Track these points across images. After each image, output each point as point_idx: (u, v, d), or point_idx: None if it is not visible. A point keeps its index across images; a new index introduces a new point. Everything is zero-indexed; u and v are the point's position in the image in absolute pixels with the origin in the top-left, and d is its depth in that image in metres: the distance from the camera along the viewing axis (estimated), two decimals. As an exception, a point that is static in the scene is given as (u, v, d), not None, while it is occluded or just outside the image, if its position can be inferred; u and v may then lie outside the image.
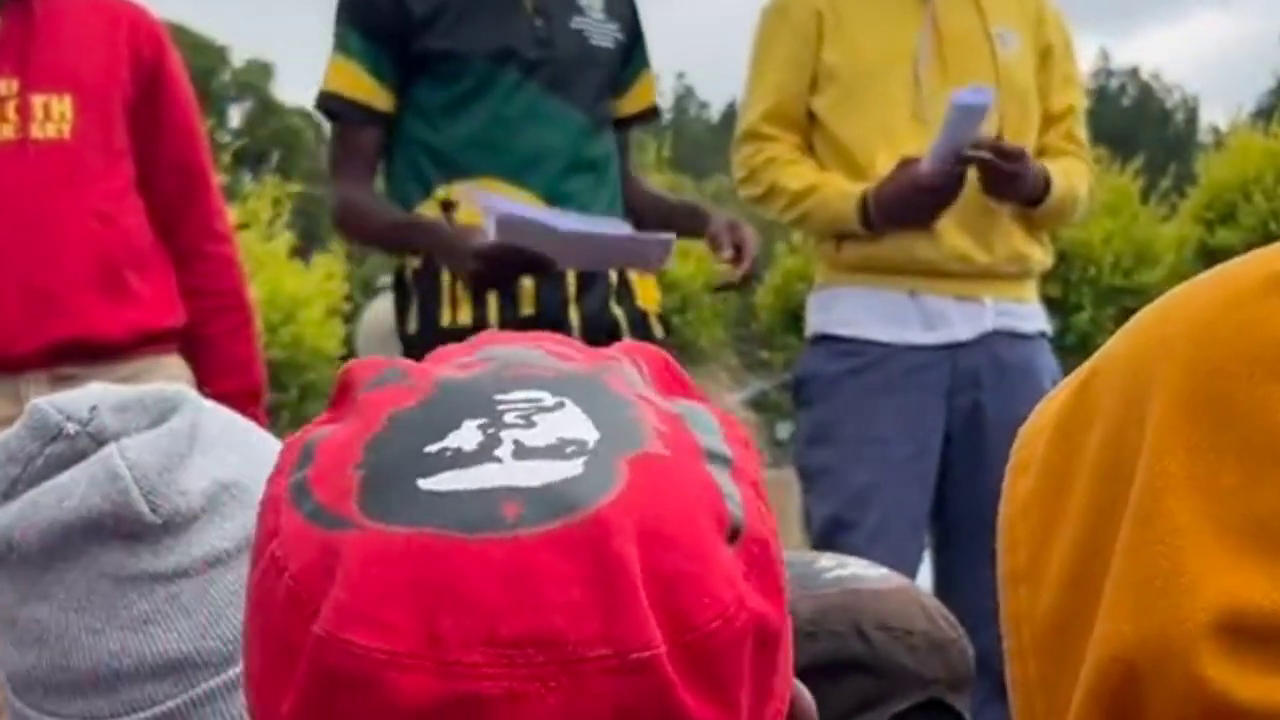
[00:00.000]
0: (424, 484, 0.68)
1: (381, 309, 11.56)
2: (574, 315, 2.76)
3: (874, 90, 3.01)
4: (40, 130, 2.56)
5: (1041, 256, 3.12)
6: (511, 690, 0.64)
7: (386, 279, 11.79)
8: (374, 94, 2.79)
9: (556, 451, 0.69)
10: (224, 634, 0.96)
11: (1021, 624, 0.65)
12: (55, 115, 2.57)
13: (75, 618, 0.95)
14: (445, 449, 0.69)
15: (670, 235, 2.79)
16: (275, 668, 0.68)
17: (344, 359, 10.69)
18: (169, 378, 2.55)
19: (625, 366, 0.75)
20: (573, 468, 0.68)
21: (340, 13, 2.82)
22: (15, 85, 2.57)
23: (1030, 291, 3.12)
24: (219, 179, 3.14)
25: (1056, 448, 0.67)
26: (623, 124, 2.99)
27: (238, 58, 33.20)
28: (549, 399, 0.71)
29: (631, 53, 2.95)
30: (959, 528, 3.00)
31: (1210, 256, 9.84)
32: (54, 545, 0.95)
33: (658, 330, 2.86)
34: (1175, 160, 16.31)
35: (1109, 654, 0.58)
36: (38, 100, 2.57)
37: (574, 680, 0.65)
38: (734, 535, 0.69)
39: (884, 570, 1.30)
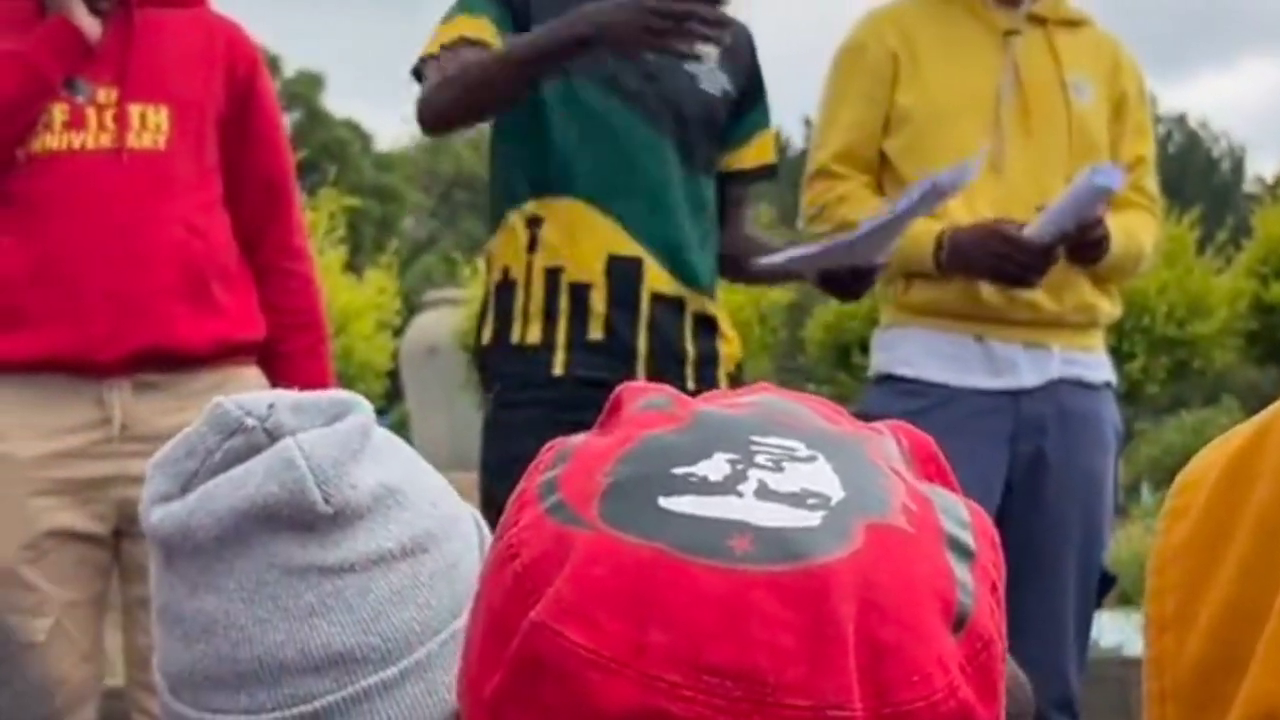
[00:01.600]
0: (664, 502, 0.70)
1: (424, 324, 11.57)
2: (642, 343, 2.76)
3: (949, 135, 3.00)
4: (136, 140, 2.59)
5: (1109, 308, 3.10)
6: (702, 716, 0.66)
7: (432, 294, 11.83)
8: (494, 38, 2.72)
9: (798, 500, 0.70)
10: (384, 631, 0.99)
11: (1165, 669, 0.66)
12: (151, 126, 2.60)
13: (244, 608, 0.97)
14: (691, 474, 0.71)
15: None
16: (490, 647, 0.71)
17: (391, 374, 10.76)
18: (247, 389, 2.57)
19: (887, 441, 0.76)
20: (810, 518, 0.69)
21: None
22: (114, 94, 2.60)
23: (1097, 341, 3.11)
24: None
25: (1221, 498, 0.67)
26: (738, 178, 2.97)
27: (289, 67, 33.42)
28: (803, 450, 0.72)
29: (745, 107, 2.93)
30: (1011, 575, 2.97)
31: (1265, 311, 9.78)
32: (228, 534, 0.97)
33: (723, 378, 2.84)
34: (1220, 209, 16.25)
35: (1261, 711, 0.58)
36: (135, 110, 2.60)
37: None
38: (959, 624, 0.70)
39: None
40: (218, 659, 0.98)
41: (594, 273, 2.74)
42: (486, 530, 1.09)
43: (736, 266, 2.98)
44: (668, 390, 0.79)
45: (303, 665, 0.98)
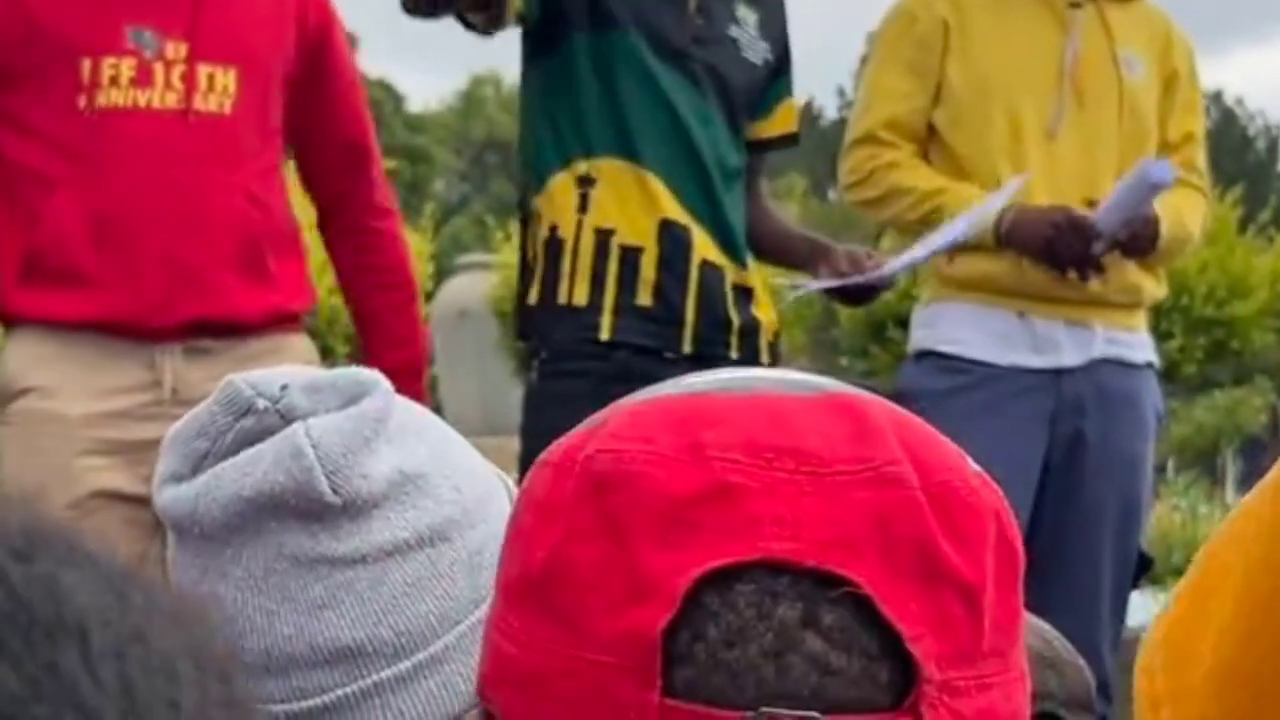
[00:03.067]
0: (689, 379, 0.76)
1: (455, 288, 11.53)
2: (690, 310, 2.74)
3: (1000, 108, 2.97)
4: (202, 102, 2.53)
5: (1153, 288, 3.08)
6: (768, 483, 0.68)
7: (463, 258, 11.81)
8: None
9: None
10: (397, 625, 0.96)
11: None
12: (219, 88, 2.54)
13: (251, 597, 0.95)
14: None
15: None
16: (530, 531, 0.72)
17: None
18: (296, 357, 2.55)
19: None
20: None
21: None
22: (184, 50, 2.53)
23: (1140, 321, 3.08)
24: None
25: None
26: (760, 147, 2.95)
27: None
28: None
29: (777, 76, 2.91)
30: (1047, 555, 2.95)
31: (1304, 293, 9.70)
32: (235, 521, 0.95)
33: (764, 347, 2.83)
34: (1256, 187, 16.14)
35: None
36: (203, 70, 2.54)
37: (830, 488, 0.68)
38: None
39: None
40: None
41: (646, 237, 2.72)
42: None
43: (758, 236, 2.93)
44: None
45: (311, 658, 0.95)
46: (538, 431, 2.71)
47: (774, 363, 2.87)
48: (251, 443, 0.96)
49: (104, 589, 0.46)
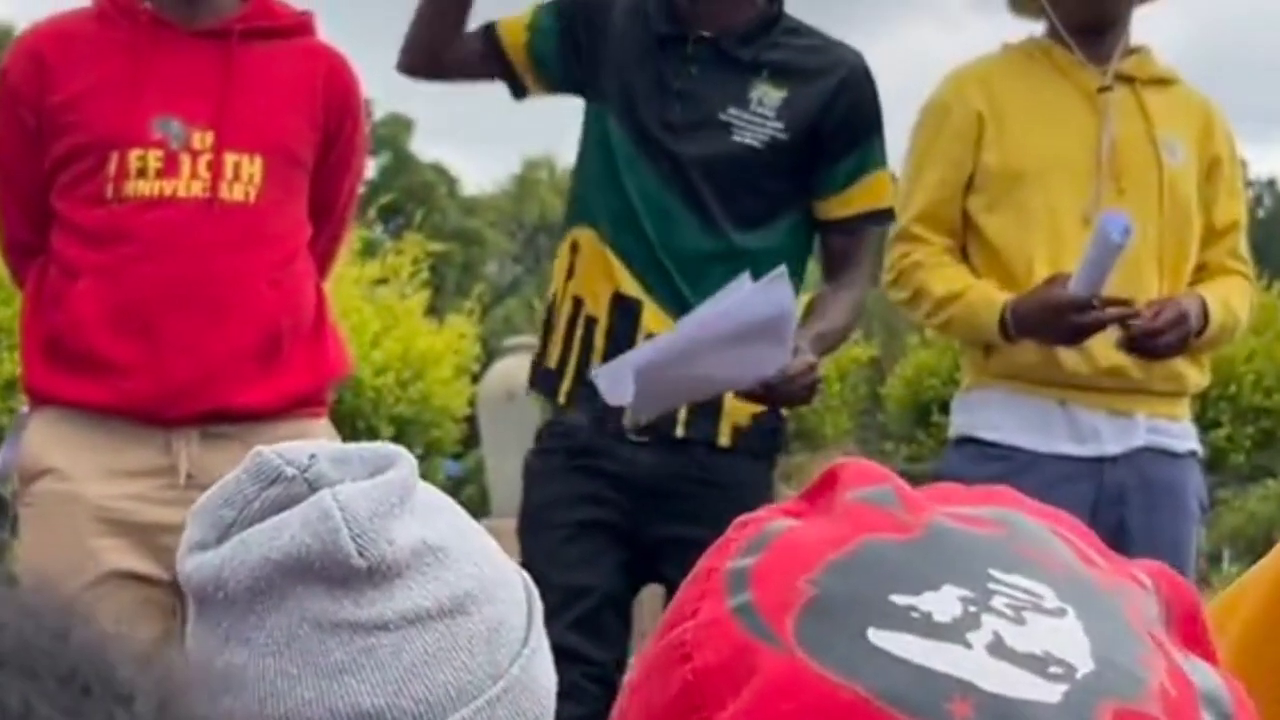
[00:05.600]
0: (875, 636, 0.59)
1: (503, 370, 11.64)
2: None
3: (1036, 195, 2.96)
4: (228, 191, 2.56)
5: (1197, 377, 3.05)
6: None
7: (512, 340, 11.93)
8: (515, 32, 2.86)
9: (1038, 665, 0.58)
10: (416, 694, 0.96)
11: None
12: (244, 176, 2.57)
13: (273, 662, 0.95)
14: (914, 607, 0.60)
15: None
16: None
17: (469, 419, 10.80)
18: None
19: (1147, 595, 0.65)
20: (1049, 691, 0.58)
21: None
22: (210, 139, 2.56)
23: (1184, 409, 3.06)
24: (362, 233, 3.14)
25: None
26: (837, 227, 2.88)
27: (379, 110, 33.82)
28: (1051, 600, 0.61)
29: (836, 153, 2.84)
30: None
31: (1355, 382, 9.62)
32: (260, 585, 0.96)
33: (726, 430, 2.78)
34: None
35: None
36: (230, 159, 2.56)
37: None
38: None
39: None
40: (245, 715, 0.96)
41: (601, 308, 2.79)
42: (537, 595, 1.06)
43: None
44: (893, 480, 0.66)
45: None
46: (521, 512, 2.86)
47: (747, 444, 2.80)
48: (278, 511, 0.97)
49: (137, 660, 0.53)
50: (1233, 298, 3.04)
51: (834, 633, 0.59)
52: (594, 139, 2.84)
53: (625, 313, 2.77)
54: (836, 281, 2.91)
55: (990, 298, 2.91)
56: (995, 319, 2.89)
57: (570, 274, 2.82)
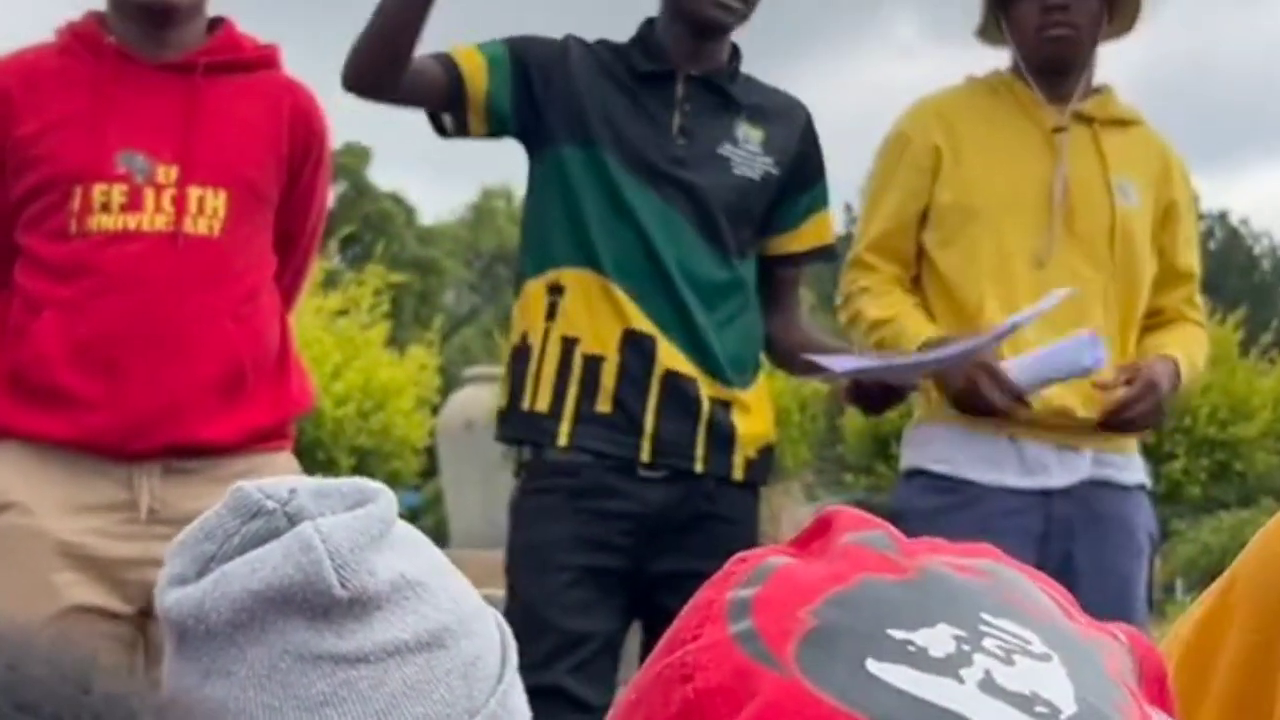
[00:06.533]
0: (873, 666, 0.61)
1: (462, 399, 11.58)
2: (650, 420, 2.77)
3: (989, 234, 2.99)
4: (192, 225, 2.55)
5: None
6: None
7: (471, 370, 11.90)
8: (474, 66, 2.80)
9: (1025, 704, 0.61)
10: None
11: None
12: (208, 210, 2.56)
13: (254, 694, 0.95)
14: (910, 642, 0.62)
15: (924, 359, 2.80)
16: None
17: (429, 451, 10.79)
18: (277, 474, 2.57)
19: (1123, 650, 0.69)
20: None
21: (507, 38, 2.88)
22: (175, 173, 2.56)
23: (1130, 443, 3.09)
24: (323, 264, 3.14)
25: (1194, 654, 0.68)
26: (790, 260, 3.00)
27: (337, 139, 33.77)
28: (1038, 645, 0.64)
29: (798, 188, 2.95)
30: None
31: (1308, 415, 9.70)
32: (241, 617, 0.96)
33: (740, 463, 2.83)
34: (1260, 307, 16.19)
35: None
36: (194, 193, 2.56)
37: None
38: None
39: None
40: None
41: (609, 347, 2.77)
42: (509, 633, 1.07)
43: (783, 352, 2.98)
44: (887, 527, 0.69)
45: None
46: (513, 548, 2.80)
47: (753, 475, 2.88)
48: (259, 544, 0.97)
49: (156, 711, 0.56)
50: (1197, 354, 3.10)
51: (834, 661, 0.61)
52: (585, 181, 2.79)
53: (638, 350, 2.76)
54: (794, 314, 3.03)
55: (915, 331, 2.94)
56: (914, 349, 2.91)
57: (552, 315, 2.79)
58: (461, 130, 2.85)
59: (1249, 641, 0.65)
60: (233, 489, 1.00)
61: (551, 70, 2.82)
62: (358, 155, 35.27)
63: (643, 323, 2.77)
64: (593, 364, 2.76)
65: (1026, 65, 3.06)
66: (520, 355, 2.82)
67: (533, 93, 2.82)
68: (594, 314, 2.77)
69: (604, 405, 2.75)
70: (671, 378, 2.78)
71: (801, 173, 2.96)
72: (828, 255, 3.07)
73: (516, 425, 2.83)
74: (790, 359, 3.00)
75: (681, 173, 2.82)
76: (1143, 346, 3.08)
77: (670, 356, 2.77)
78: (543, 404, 2.78)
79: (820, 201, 3.01)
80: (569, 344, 2.78)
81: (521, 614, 2.68)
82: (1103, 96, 3.11)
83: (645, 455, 2.75)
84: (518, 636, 1.08)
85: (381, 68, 2.72)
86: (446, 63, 2.80)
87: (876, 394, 2.83)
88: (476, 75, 2.80)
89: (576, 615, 2.71)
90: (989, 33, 3.14)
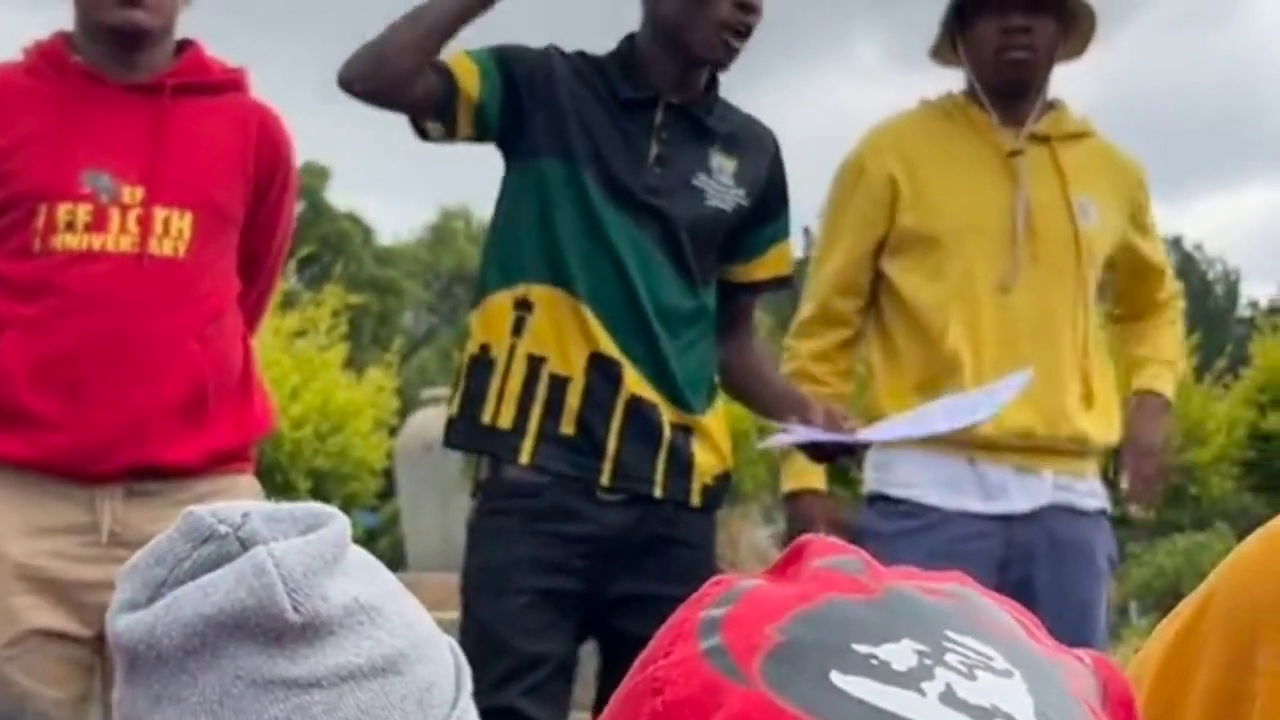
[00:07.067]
0: (837, 678, 0.63)
1: (421, 421, 11.53)
2: (613, 443, 2.77)
3: (953, 260, 3.01)
4: (157, 246, 2.55)
5: (1102, 437, 3.10)
6: None
7: (429, 391, 11.85)
8: (467, 72, 2.78)
9: (984, 717, 0.62)
10: None
11: None
12: (174, 231, 2.56)
13: None
14: (874, 656, 0.64)
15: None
16: None
17: (387, 473, 10.75)
18: (240, 496, 2.56)
19: (1088, 673, 0.70)
20: None
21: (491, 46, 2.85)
22: (140, 194, 2.55)
23: (1090, 467, 3.11)
24: (282, 285, 3.15)
25: (1160, 688, 0.68)
26: (751, 289, 3.01)
27: (297, 159, 33.60)
28: (1000, 662, 0.65)
29: (764, 218, 2.96)
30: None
31: (1262, 440, 9.78)
32: (193, 643, 0.95)
33: (698, 489, 2.84)
34: (1214, 333, 16.31)
35: None
36: (160, 214, 2.56)
37: None
38: None
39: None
40: None
41: (575, 368, 2.76)
42: (463, 659, 1.07)
43: (736, 378, 2.99)
44: (860, 553, 0.71)
45: None
46: (470, 569, 2.79)
47: (710, 501, 2.87)
48: (211, 569, 0.96)
49: None
50: (1178, 358, 3.22)
51: (798, 674, 0.63)
52: (562, 196, 2.78)
53: (605, 374, 2.76)
54: (748, 340, 3.05)
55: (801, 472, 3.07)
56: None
57: (519, 331, 2.77)
58: (448, 136, 2.83)
59: (1224, 661, 0.65)
60: (184, 513, 0.99)
61: (536, 81, 2.81)
62: (316, 175, 35.16)
63: (610, 348, 2.76)
64: (559, 384, 2.75)
65: (983, 87, 3.08)
66: (481, 367, 2.79)
67: (520, 102, 2.81)
68: (562, 334, 2.76)
69: (568, 427, 2.75)
70: (635, 403, 2.77)
71: (769, 203, 2.97)
72: (785, 284, 3.09)
73: (474, 437, 2.80)
74: (742, 385, 3.01)
75: (656, 201, 2.82)
76: (1132, 360, 3.19)
77: (635, 382, 2.77)
78: (505, 420, 2.76)
79: (783, 232, 3.02)
80: (536, 362, 2.76)
81: (477, 635, 2.68)
82: (1056, 113, 3.14)
83: (605, 479, 2.75)
84: (473, 658, 1.08)
85: (407, 68, 2.71)
86: (441, 69, 2.77)
87: (831, 448, 2.84)
88: (469, 82, 2.78)
89: (532, 638, 2.70)
90: (943, 53, 3.16)
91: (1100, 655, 0.72)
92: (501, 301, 2.79)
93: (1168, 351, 3.25)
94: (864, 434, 2.83)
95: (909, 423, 2.86)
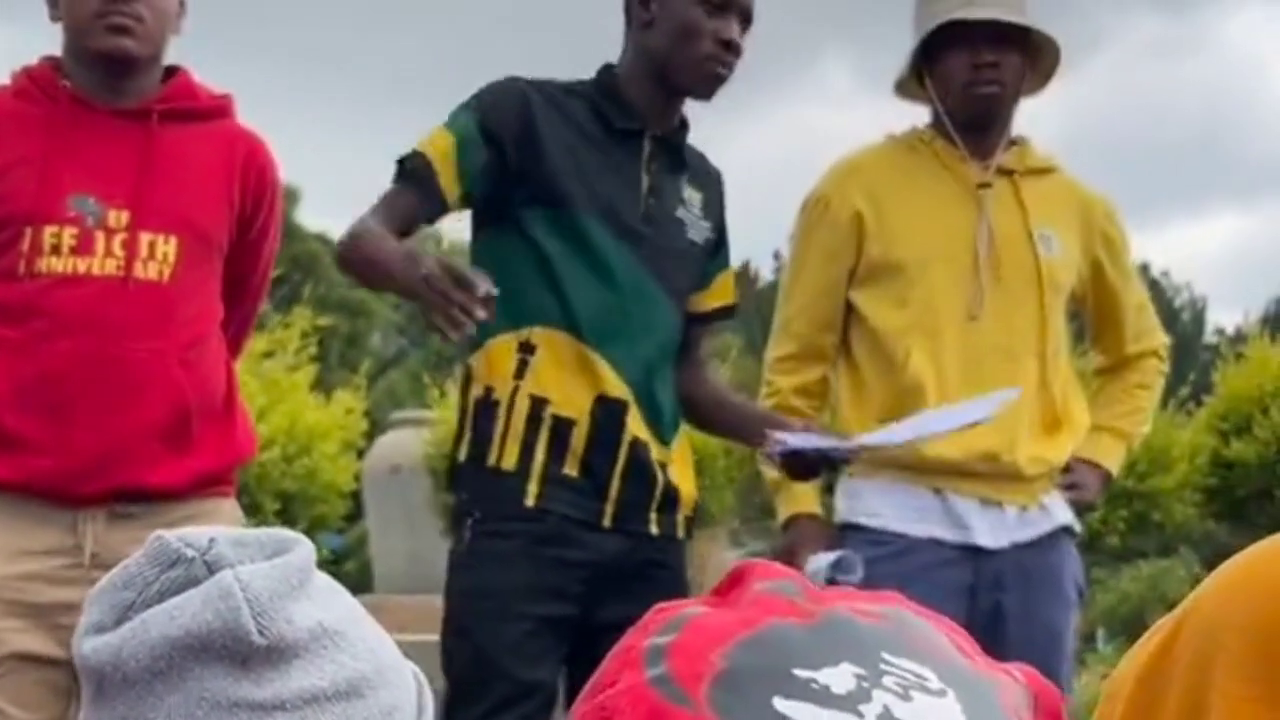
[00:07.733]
0: (779, 703, 0.65)
1: (388, 443, 11.45)
2: (615, 486, 2.78)
3: (918, 289, 3.04)
4: (142, 270, 2.56)
5: (1056, 456, 3.12)
6: None
7: (397, 414, 11.74)
8: (448, 177, 2.76)
9: None
10: None
11: None
12: (159, 256, 2.57)
13: None
14: (814, 680, 0.66)
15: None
16: None
17: (354, 495, 10.70)
18: (222, 521, 2.56)
19: (1019, 688, 0.73)
20: None
21: (470, 96, 2.82)
22: (126, 219, 2.56)
23: (1049, 484, 3.13)
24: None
25: (1136, 704, 0.70)
26: (701, 319, 3.03)
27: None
28: (935, 682, 0.68)
29: (717, 250, 3.00)
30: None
31: (1224, 467, 9.81)
32: (160, 665, 0.96)
33: (681, 522, 2.87)
34: (1181, 359, 16.39)
35: None
36: (145, 238, 2.56)
37: None
38: None
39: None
40: None
41: (580, 411, 2.75)
42: (426, 686, 1.08)
43: (701, 409, 3.00)
44: (797, 577, 0.74)
45: None
46: (466, 590, 2.74)
47: (689, 531, 2.92)
48: (178, 592, 0.97)
49: None
50: (1135, 436, 3.28)
51: (743, 700, 0.65)
52: (554, 240, 2.75)
53: (610, 415, 2.76)
54: (703, 369, 3.08)
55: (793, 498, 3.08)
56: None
57: (521, 373, 2.75)
58: (437, 218, 2.83)
59: (1192, 682, 0.68)
60: (152, 537, 1.00)
61: (520, 136, 2.78)
62: (286, 196, 35.07)
63: (616, 388, 2.77)
64: (563, 426, 2.75)
65: (951, 120, 3.10)
66: (487, 410, 2.77)
67: (505, 165, 2.77)
68: (566, 376, 2.75)
69: (571, 469, 2.75)
70: (636, 445, 2.79)
71: (718, 234, 3.01)
72: (731, 314, 3.13)
73: (480, 480, 2.77)
74: (706, 414, 3.03)
75: (651, 233, 2.83)
76: (1093, 423, 3.20)
77: (635, 423, 2.79)
78: (509, 461, 2.75)
79: (726, 262, 3.06)
80: (538, 403, 2.75)
81: (473, 660, 2.66)
82: (1021, 148, 3.17)
83: (607, 521, 2.77)
84: (466, 683, 1.09)
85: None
86: (420, 178, 2.74)
87: (813, 462, 2.85)
88: (446, 168, 2.75)
89: (532, 665, 2.69)
90: (908, 88, 3.18)
91: (1031, 670, 0.75)
92: (505, 343, 2.78)
93: (1127, 421, 3.25)
94: (863, 439, 2.85)
95: (907, 427, 2.88)
